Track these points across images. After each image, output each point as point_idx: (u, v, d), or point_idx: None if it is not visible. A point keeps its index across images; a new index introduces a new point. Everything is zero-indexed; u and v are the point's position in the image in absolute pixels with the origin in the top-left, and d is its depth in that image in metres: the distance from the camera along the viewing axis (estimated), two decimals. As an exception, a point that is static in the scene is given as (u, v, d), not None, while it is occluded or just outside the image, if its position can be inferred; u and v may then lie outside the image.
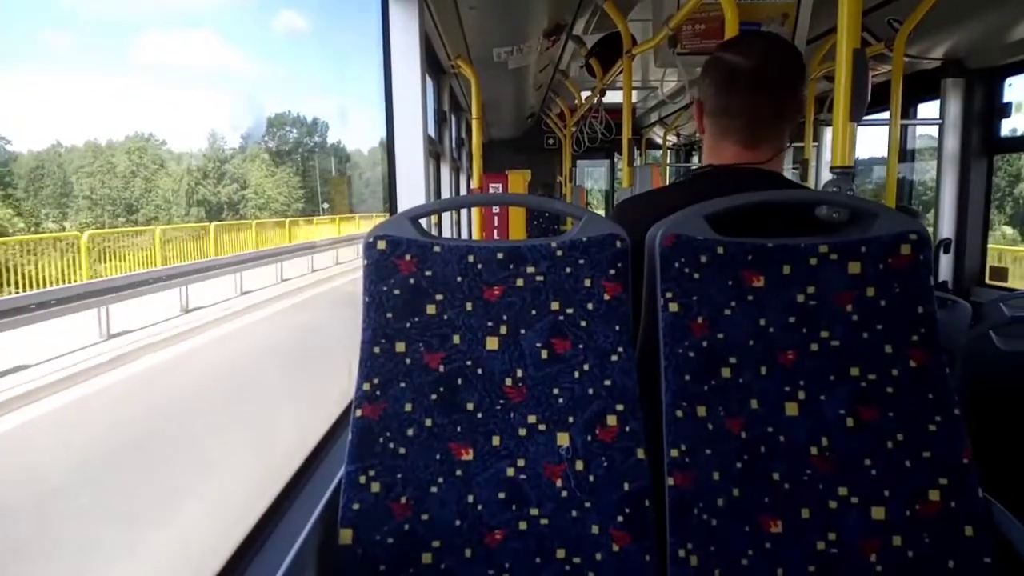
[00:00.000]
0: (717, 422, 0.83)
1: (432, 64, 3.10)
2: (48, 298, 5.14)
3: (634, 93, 3.16)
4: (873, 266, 0.85)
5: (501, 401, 0.87)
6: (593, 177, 9.03)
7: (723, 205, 0.87)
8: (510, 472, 0.85)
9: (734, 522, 0.82)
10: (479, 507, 0.85)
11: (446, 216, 4.08)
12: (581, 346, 0.87)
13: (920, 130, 3.28)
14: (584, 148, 5.39)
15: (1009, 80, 2.56)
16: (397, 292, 0.88)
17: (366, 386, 0.87)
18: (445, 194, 4.10)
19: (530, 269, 0.88)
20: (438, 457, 0.86)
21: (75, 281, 6.29)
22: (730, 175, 1.03)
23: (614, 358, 0.87)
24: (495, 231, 3.89)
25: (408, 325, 0.88)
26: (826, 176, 3.82)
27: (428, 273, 0.88)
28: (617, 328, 0.87)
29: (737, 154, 1.03)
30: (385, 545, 0.84)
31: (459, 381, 0.87)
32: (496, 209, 3.87)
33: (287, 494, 1.01)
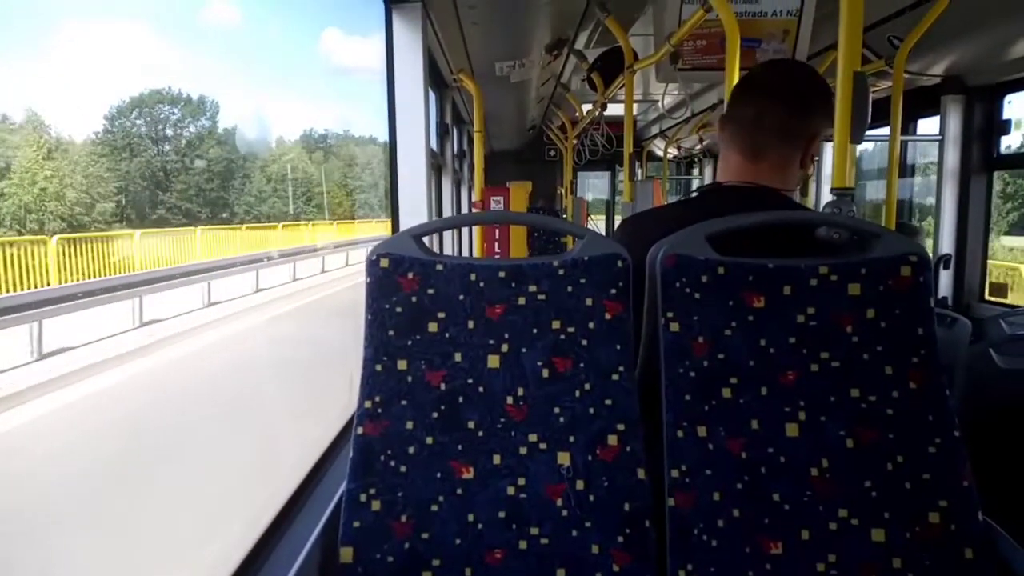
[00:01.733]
0: (718, 442, 0.83)
1: (434, 77, 3.12)
2: None
3: (635, 107, 3.18)
4: (873, 288, 0.85)
5: (502, 419, 0.87)
6: (591, 189, 8.97)
7: (724, 225, 0.88)
8: (510, 491, 0.85)
9: (734, 543, 0.81)
10: (479, 526, 0.84)
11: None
12: (582, 365, 0.87)
13: (915, 145, 3.30)
14: (585, 160, 5.41)
15: (1009, 97, 2.58)
16: (399, 310, 0.88)
17: (368, 404, 0.87)
18: (446, 206, 4.12)
19: (532, 288, 0.88)
20: (439, 475, 0.85)
21: None
22: (733, 194, 1.03)
23: (615, 377, 0.87)
24: (496, 243, 3.90)
25: (410, 343, 0.88)
26: (825, 193, 3.84)
27: (430, 291, 0.88)
28: (618, 347, 0.87)
29: (739, 164, 1.03)
30: (386, 564, 0.83)
31: (460, 399, 0.87)
32: (498, 220, 3.89)
33: (288, 511, 1.00)
